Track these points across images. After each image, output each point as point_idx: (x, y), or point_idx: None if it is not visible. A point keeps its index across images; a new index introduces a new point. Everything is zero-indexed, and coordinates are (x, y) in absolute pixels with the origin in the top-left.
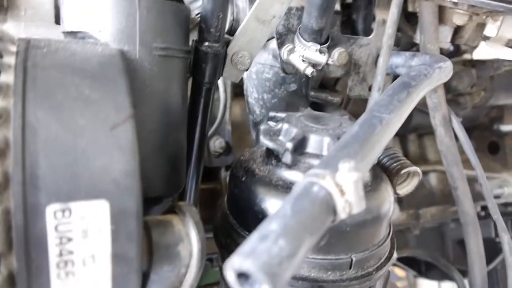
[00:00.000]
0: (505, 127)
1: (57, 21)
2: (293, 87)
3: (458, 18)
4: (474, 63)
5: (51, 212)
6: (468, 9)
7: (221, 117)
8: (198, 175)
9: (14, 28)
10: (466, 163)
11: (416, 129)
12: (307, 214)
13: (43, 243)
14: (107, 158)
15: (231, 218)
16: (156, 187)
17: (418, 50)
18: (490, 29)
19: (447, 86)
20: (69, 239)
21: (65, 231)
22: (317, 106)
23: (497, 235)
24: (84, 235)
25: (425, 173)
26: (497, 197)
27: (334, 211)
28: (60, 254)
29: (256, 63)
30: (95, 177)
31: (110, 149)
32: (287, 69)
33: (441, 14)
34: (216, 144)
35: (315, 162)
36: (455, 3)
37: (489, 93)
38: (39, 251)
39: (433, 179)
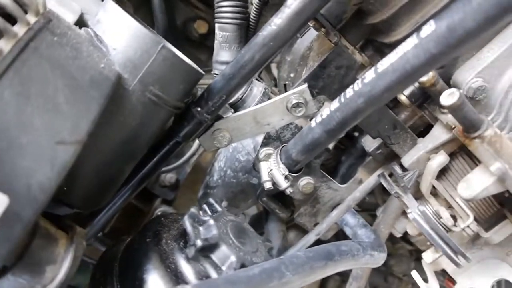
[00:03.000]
0: None
1: None
2: (255, 181)
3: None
4: (419, 257)
5: None
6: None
7: (184, 161)
8: (130, 195)
9: None
10: None
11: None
12: None
13: None
14: (35, 165)
15: (117, 264)
16: (75, 198)
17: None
18: (427, 255)
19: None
20: None
21: None
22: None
23: None
24: None
25: None
26: None
27: None
28: None
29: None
30: (14, 173)
31: (43, 159)
32: (256, 166)
33: None
34: (167, 177)
35: (211, 271)
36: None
37: None
38: None
39: None
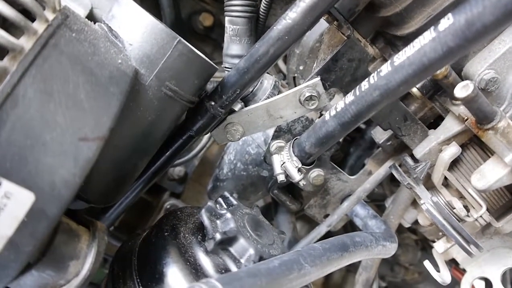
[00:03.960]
0: None
1: None
2: (265, 173)
3: (422, 218)
4: (425, 247)
5: None
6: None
7: (194, 155)
8: (142, 189)
9: None
10: None
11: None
12: None
13: None
14: (58, 161)
15: (135, 257)
16: (92, 193)
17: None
18: (439, 245)
19: None
20: None
21: None
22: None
23: None
24: None
25: None
26: None
27: None
28: None
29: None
30: (38, 171)
31: (67, 156)
32: (267, 159)
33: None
34: (176, 171)
35: (230, 264)
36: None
37: (422, 279)
38: None
39: None
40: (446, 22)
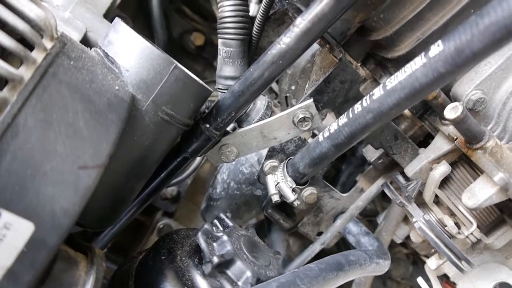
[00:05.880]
0: None
1: (106, 16)
2: (259, 193)
3: (414, 235)
4: (416, 260)
5: None
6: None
7: (188, 175)
8: (136, 211)
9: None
10: None
11: None
12: None
13: None
14: (59, 190)
15: (132, 281)
16: (88, 219)
17: None
18: (431, 262)
19: None
20: None
21: None
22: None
23: None
24: None
25: None
26: None
27: None
28: None
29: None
30: (38, 200)
31: (67, 185)
32: (261, 179)
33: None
34: (168, 190)
35: (228, 286)
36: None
37: None
38: None
39: None
40: (436, 49)
